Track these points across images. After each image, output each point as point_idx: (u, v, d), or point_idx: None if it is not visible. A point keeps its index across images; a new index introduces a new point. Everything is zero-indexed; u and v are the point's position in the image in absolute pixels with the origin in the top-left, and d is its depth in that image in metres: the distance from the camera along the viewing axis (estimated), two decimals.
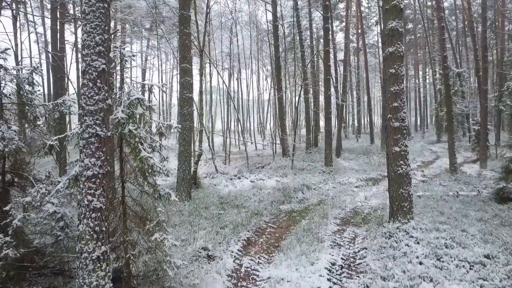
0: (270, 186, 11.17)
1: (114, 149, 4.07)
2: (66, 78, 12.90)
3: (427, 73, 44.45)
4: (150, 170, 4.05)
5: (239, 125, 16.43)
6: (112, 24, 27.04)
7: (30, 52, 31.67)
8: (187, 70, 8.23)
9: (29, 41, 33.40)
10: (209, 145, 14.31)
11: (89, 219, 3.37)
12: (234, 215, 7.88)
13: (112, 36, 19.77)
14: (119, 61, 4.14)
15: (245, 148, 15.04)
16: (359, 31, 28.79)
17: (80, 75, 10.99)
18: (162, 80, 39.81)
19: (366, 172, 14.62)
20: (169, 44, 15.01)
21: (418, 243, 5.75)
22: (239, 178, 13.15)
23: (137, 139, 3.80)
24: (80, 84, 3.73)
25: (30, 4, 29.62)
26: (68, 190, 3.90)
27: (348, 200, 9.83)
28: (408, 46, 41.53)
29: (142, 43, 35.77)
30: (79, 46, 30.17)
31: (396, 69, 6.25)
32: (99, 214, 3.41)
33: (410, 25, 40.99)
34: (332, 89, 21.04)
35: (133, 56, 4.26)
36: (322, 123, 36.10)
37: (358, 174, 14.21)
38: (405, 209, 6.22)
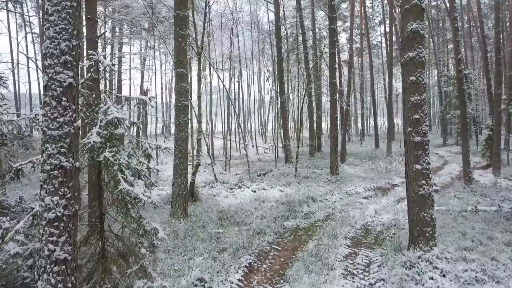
0: (273, 198, 10.46)
1: (90, 179, 3.37)
2: None
3: (429, 74, 43.71)
4: (133, 202, 3.34)
5: (239, 128, 15.71)
6: (110, 24, 26.42)
7: (27, 53, 31.06)
8: (183, 75, 7.53)
9: (26, 42, 32.81)
10: (208, 152, 13.58)
11: (51, 274, 2.67)
12: (234, 235, 7.17)
13: (101, 40, 19.08)
14: (99, 71, 3.44)
15: (246, 154, 14.32)
16: (363, 31, 28.04)
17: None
18: (162, 81, 39.15)
19: (374, 180, 13.90)
20: (166, 45, 14.27)
21: (444, 276, 5.04)
22: (239, 187, 12.44)
23: (115, 167, 3.09)
24: (42, 103, 3.03)
25: (26, 4, 28.99)
26: (31, 229, 3.19)
27: (357, 215, 9.11)
28: None
29: (141, 44, 35.13)
30: None
31: (417, 76, 5.54)
32: (63, 267, 2.71)
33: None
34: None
35: (113, 65, 3.57)
36: (324, 124, 35.46)
37: (365, 183, 13.49)
38: (427, 234, 5.50)
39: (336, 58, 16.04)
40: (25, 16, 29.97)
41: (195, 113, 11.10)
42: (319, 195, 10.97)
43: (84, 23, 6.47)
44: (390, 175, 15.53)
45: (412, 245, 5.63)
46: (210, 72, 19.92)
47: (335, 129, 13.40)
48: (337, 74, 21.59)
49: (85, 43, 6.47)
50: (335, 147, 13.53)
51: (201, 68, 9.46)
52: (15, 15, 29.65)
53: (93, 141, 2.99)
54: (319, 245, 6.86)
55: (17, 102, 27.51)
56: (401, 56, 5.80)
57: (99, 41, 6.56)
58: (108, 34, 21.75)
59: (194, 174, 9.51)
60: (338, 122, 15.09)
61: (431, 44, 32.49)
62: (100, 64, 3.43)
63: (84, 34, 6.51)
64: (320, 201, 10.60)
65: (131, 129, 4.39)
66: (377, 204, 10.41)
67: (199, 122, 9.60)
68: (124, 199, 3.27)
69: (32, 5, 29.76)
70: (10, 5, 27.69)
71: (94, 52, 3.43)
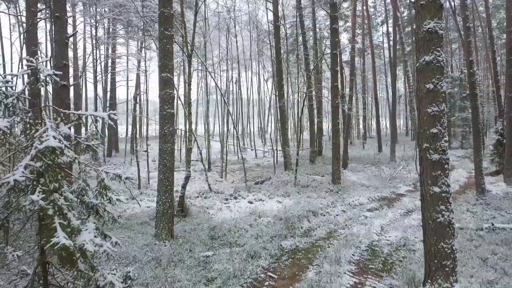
0: (271, 212, 9.66)
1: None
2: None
3: None
4: (79, 255, 2.55)
5: (236, 133, 14.93)
6: (105, 24, 25.64)
7: (21, 53, 30.30)
8: (168, 81, 6.74)
9: (20, 42, 32.05)
10: (201, 160, 12.80)
11: None
12: (225, 261, 6.38)
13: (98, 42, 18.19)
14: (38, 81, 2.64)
15: (243, 163, 13.53)
16: (365, 31, 27.24)
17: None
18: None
19: (378, 190, 13.10)
20: (157, 46, 13.43)
21: None
22: (235, 198, 11.66)
23: (50, 211, 2.31)
24: None
25: (18, 3, 28.25)
26: None
27: (362, 232, 8.31)
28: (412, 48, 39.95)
29: (138, 44, 34.34)
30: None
31: (435, 84, 4.74)
32: None
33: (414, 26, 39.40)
34: None
35: (55, 74, 2.79)
36: (325, 125, 34.58)
37: (369, 192, 12.70)
38: (447, 269, 4.70)
39: (338, 60, 15.28)
40: (18, 17, 29.25)
41: (186, 116, 10.29)
42: (320, 208, 10.17)
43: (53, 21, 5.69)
44: (395, 182, 14.74)
45: (429, 281, 4.82)
46: (205, 74, 19.13)
47: (337, 135, 12.58)
48: (338, 75, 20.78)
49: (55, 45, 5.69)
50: (337, 154, 12.72)
51: (191, 71, 8.67)
52: (9, 16, 28.93)
53: (13, 182, 2.21)
54: (320, 272, 6.07)
55: None
56: (416, 60, 5.00)
57: (69, 42, 5.76)
58: (100, 34, 20.98)
59: (183, 187, 8.72)
60: (340, 127, 14.25)
61: None
62: (40, 73, 2.66)
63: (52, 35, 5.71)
64: (321, 215, 9.81)
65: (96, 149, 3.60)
66: (383, 218, 9.60)
67: (190, 130, 8.83)
68: (68, 252, 2.50)
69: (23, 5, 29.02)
70: (4, 5, 26.99)
71: (31, 59, 2.67)
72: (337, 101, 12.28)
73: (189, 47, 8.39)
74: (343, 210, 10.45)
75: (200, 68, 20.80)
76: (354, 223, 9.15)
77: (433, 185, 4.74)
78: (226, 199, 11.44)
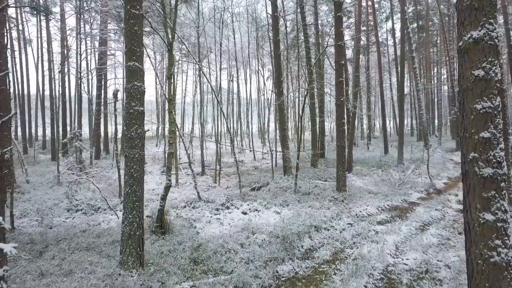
0: (267, 227, 8.32)
1: None
2: (7, 79, 10.19)
3: (437, 73, 41.52)
4: None
5: (229, 132, 13.61)
6: (98, 18, 24.30)
7: (20, 52, 29.02)
8: (136, 71, 5.43)
9: (8, 38, 30.81)
10: (190, 165, 11.47)
11: None
12: None
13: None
14: None
15: (237, 167, 12.18)
16: (371, 26, 25.85)
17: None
18: (157, 80, 36.99)
19: (388, 198, 11.74)
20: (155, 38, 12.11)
21: None
22: (227, 208, 10.34)
23: None
24: None
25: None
26: None
27: (374, 253, 6.99)
28: (418, 44, 38.55)
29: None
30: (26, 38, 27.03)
31: (488, 69, 3.42)
32: None
33: (420, 22, 38.03)
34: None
35: None
36: (326, 125, 33.13)
37: (378, 200, 11.35)
38: None
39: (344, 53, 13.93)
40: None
41: (172, 118, 8.96)
42: (323, 221, 8.83)
43: None
44: (405, 188, 13.38)
45: None
46: (199, 72, 17.76)
47: (342, 137, 11.18)
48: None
49: None
50: (342, 158, 11.33)
51: (173, 62, 7.33)
52: None
53: None
54: None
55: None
56: (459, 38, 3.66)
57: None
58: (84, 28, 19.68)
59: (163, 198, 7.40)
60: (346, 127, 12.87)
61: (444, 40, 30.30)
62: None
63: None
64: (325, 229, 8.48)
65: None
66: (396, 234, 8.26)
67: (171, 132, 7.50)
68: None
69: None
70: None
71: None
72: (342, 99, 10.88)
73: (169, 34, 7.03)
74: (350, 223, 9.11)
75: (186, 60, 19.47)
76: (364, 241, 7.82)
77: (484, 210, 3.41)
78: (217, 209, 10.12)
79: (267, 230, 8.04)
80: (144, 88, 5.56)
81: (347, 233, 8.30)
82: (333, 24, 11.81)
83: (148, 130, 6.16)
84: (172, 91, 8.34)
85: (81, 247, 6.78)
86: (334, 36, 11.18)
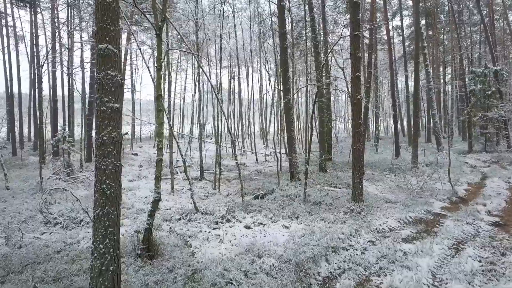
0: (275, 248, 7.02)
1: None
2: None
3: (445, 72, 40.16)
4: None
5: (230, 133, 12.31)
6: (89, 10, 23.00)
7: (9, 48, 27.81)
8: (109, 56, 4.15)
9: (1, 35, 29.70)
10: (185, 171, 10.18)
11: None
12: None
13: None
14: None
15: (239, 173, 10.88)
16: (380, 22, 24.51)
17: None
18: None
19: (408, 208, 10.43)
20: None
21: None
22: (228, 221, 9.05)
23: None
24: None
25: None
26: None
27: (407, 283, 5.69)
28: (426, 42, 37.24)
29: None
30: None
31: None
32: None
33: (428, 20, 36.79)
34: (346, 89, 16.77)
35: None
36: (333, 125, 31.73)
37: (398, 211, 10.04)
38: None
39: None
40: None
41: (167, 118, 7.68)
42: (341, 240, 7.53)
43: None
44: (425, 196, 12.07)
45: None
46: (198, 70, 16.49)
47: (359, 139, 9.84)
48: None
49: None
50: (359, 163, 10.01)
51: (162, 50, 6.04)
52: None
53: None
54: None
55: None
56: None
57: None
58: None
59: (150, 215, 6.10)
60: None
61: (455, 38, 28.98)
62: None
63: None
64: (343, 249, 7.18)
65: None
66: (429, 256, 6.95)
67: (161, 134, 6.22)
68: None
69: None
70: None
71: None
72: (359, 96, 9.55)
73: (158, 16, 5.78)
74: (371, 241, 7.80)
75: (183, 49, 18.19)
76: (392, 265, 6.52)
77: None
78: (216, 223, 8.83)
79: (275, 252, 6.74)
80: (121, 79, 4.28)
81: (370, 255, 6.99)
82: (347, 11, 10.50)
83: (127, 133, 4.87)
84: (162, 85, 7.08)
85: (48, 277, 5.49)
86: (349, 26, 9.88)
